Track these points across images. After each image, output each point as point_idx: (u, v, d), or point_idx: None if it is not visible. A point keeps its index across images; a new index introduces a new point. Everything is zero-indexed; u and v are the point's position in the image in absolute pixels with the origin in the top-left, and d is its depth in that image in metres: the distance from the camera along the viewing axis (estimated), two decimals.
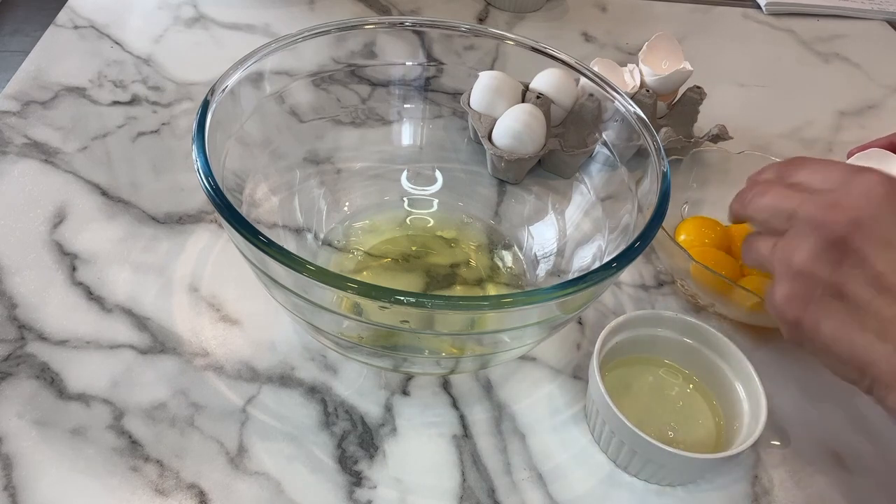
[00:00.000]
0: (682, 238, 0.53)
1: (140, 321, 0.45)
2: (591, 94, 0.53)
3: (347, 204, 0.52)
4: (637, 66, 0.62)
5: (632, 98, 0.50)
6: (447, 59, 0.53)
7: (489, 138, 0.54)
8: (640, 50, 0.64)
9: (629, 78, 0.62)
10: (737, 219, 0.39)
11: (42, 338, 0.43)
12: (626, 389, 0.43)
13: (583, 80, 0.49)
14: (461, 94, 0.56)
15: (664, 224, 0.38)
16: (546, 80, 0.55)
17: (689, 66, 0.61)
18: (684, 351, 0.44)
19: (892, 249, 0.31)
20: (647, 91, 0.59)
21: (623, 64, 0.63)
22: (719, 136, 0.60)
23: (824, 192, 0.34)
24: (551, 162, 0.54)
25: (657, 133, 0.51)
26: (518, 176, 0.54)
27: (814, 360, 0.48)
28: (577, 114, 0.55)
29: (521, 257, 0.50)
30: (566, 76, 0.55)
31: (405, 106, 0.54)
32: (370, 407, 0.42)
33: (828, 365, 0.35)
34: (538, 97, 0.54)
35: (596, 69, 0.48)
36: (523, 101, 0.56)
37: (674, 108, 0.58)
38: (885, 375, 0.31)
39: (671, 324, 0.44)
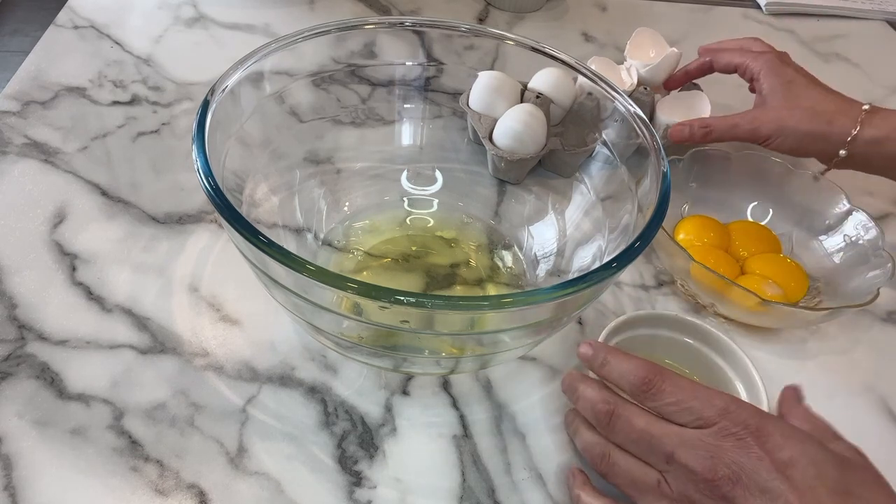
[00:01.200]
0: (681, 237, 0.53)
1: (140, 321, 0.45)
2: (590, 93, 0.53)
3: (347, 204, 0.52)
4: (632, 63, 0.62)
5: (629, 96, 0.50)
6: (447, 59, 0.53)
7: (490, 138, 0.54)
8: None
9: (626, 76, 0.62)
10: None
11: (42, 338, 0.43)
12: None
13: (581, 78, 0.49)
14: (461, 94, 0.56)
15: (664, 224, 0.38)
16: (544, 79, 0.55)
17: (675, 50, 0.61)
18: (684, 350, 0.44)
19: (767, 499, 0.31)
20: (645, 89, 0.59)
21: (622, 63, 0.64)
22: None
23: (695, 432, 0.34)
24: (551, 161, 0.54)
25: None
26: (519, 176, 0.54)
27: (814, 361, 0.48)
28: (577, 113, 0.55)
29: (521, 257, 0.50)
30: (564, 75, 0.55)
31: (405, 106, 0.54)
32: (370, 407, 0.42)
33: None
34: (537, 97, 0.54)
35: (593, 68, 0.48)
36: (522, 100, 0.56)
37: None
38: None
39: (671, 324, 0.44)
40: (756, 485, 0.31)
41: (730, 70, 0.60)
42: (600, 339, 0.41)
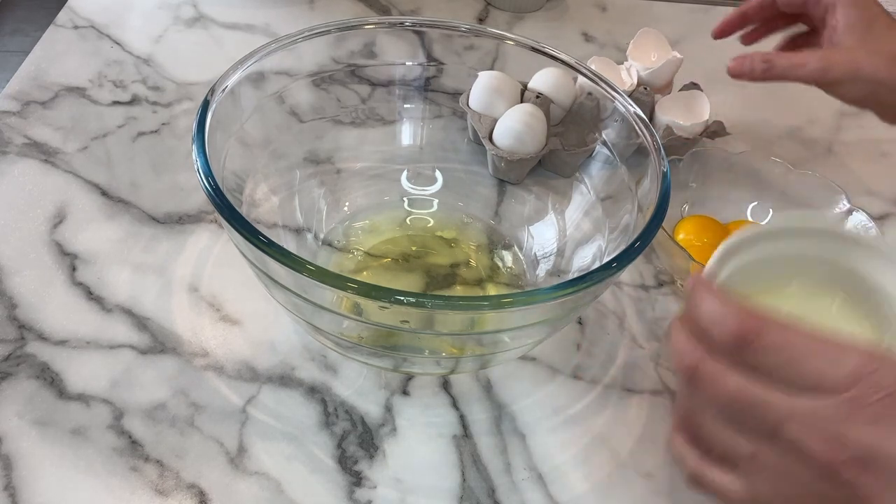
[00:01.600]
0: (680, 237, 0.53)
1: (140, 321, 0.45)
2: (590, 93, 0.53)
3: (347, 204, 0.52)
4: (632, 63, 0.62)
5: (629, 96, 0.50)
6: (447, 59, 0.53)
7: (490, 138, 0.54)
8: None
9: (626, 76, 0.62)
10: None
11: (42, 338, 0.43)
12: None
13: (581, 78, 0.49)
14: (461, 94, 0.56)
15: (664, 224, 0.38)
16: (544, 79, 0.55)
17: (678, 55, 0.61)
18: (835, 274, 0.34)
19: None
20: (645, 89, 0.59)
21: (622, 63, 0.64)
22: (717, 132, 0.60)
23: (817, 404, 0.25)
24: (551, 161, 0.54)
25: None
26: (519, 176, 0.54)
27: None
28: (576, 113, 0.55)
29: (521, 257, 0.50)
30: (564, 75, 0.55)
31: (405, 106, 0.54)
32: (370, 407, 0.42)
33: None
34: (537, 97, 0.54)
35: (593, 68, 0.48)
36: (522, 100, 0.56)
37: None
38: None
39: (817, 237, 0.34)
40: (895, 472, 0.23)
41: (796, 5, 0.51)
42: (710, 262, 0.33)
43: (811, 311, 0.35)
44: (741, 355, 0.27)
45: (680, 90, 0.62)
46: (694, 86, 0.62)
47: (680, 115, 0.59)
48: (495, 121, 0.54)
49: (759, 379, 0.26)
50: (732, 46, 0.79)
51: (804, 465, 0.25)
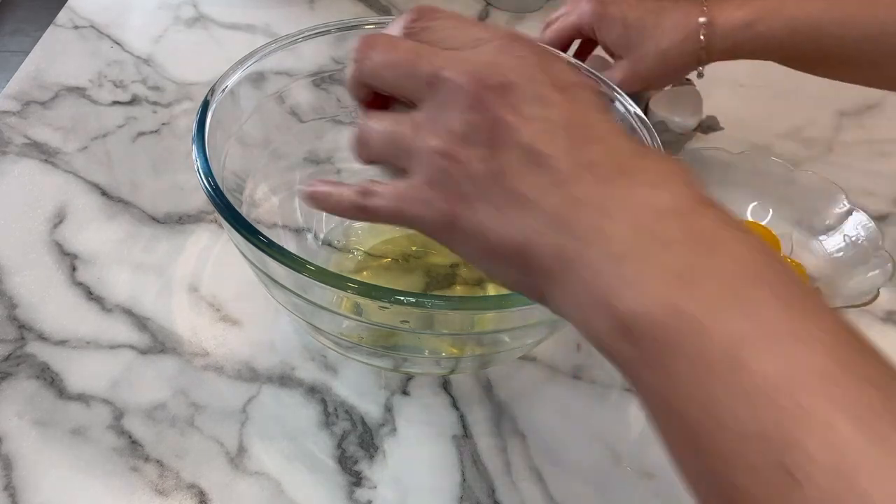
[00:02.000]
0: None
1: (140, 321, 0.45)
2: None
3: None
4: None
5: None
6: None
7: None
8: None
9: None
10: (356, 84, 0.30)
11: (42, 338, 0.43)
12: None
13: None
14: None
15: None
16: None
17: None
18: None
19: (544, 119, 0.25)
20: None
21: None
22: (711, 127, 0.60)
23: (470, 51, 0.27)
24: None
25: None
26: None
27: None
28: None
29: None
30: None
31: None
32: (370, 407, 0.42)
33: (487, 269, 0.27)
34: None
35: (588, 64, 0.48)
36: None
37: None
38: (544, 259, 0.24)
39: None
40: (533, 94, 0.25)
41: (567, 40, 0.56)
42: None
43: None
44: (413, 37, 0.28)
45: (674, 85, 0.62)
46: (687, 81, 0.62)
47: (674, 110, 0.59)
48: None
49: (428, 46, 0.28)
50: None
51: (458, 109, 0.26)
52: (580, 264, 0.23)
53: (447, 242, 0.27)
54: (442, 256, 0.49)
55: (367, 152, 0.29)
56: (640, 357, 0.22)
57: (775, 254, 0.23)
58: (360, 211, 0.28)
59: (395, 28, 0.29)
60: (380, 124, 0.28)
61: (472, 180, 0.26)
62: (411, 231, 0.52)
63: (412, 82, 0.27)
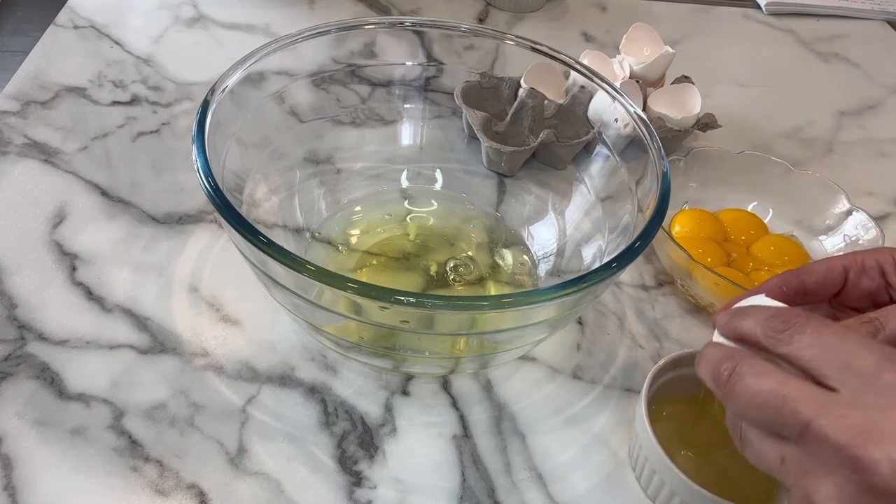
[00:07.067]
0: (676, 230, 0.53)
1: (140, 321, 0.45)
2: (583, 87, 0.52)
3: (347, 204, 0.52)
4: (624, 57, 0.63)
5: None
6: (447, 59, 0.53)
7: (483, 132, 0.54)
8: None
9: (619, 69, 0.62)
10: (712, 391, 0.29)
11: (42, 338, 0.43)
12: (680, 432, 0.40)
13: (573, 73, 0.49)
14: None
15: (663, 223, 0.38)
16: (537, 73, 0.56)
17: (670, 50, 0.61)
18: None
19: None
20: (638, 82, 0.60)
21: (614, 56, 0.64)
22: (709, 124, 0.60)
23: (848, 396, 0.24)
24: (545, 154, 0.54)
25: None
26: (513, 168, 0.54)
27: None
28: (570, 106, 0.55)
29: (521, 256, 0.50)
30: (556, 70, 0.55)
31: (405, 106, 0.54)
32: (370, 407, 0.42)
33: None
34: (531, 90, 0.54)
35: (586, 61, 0.48)
36: (516, 95, 0.56)
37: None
38: None
39: None
40: None
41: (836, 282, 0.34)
42: (649, 376, 0.38)
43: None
44: (775, 343, 0.26)
45: (672, 83, 0.62)
46: (685, 79, 0.62)
47: (671, 107, 0.59)
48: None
49: (797, 377, 0.26)
50: (733, 46, 0.80)
51: (836, 463, 0.23)
52: None
53: None
54: (442, 255, 0.49)
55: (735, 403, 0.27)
56: None
57: None
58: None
59: (752, 324, 0.27)
60: (755, 437, 0.27)
61: None
62: (411, 230, 0.53)
63: (784, 428, 0.25)
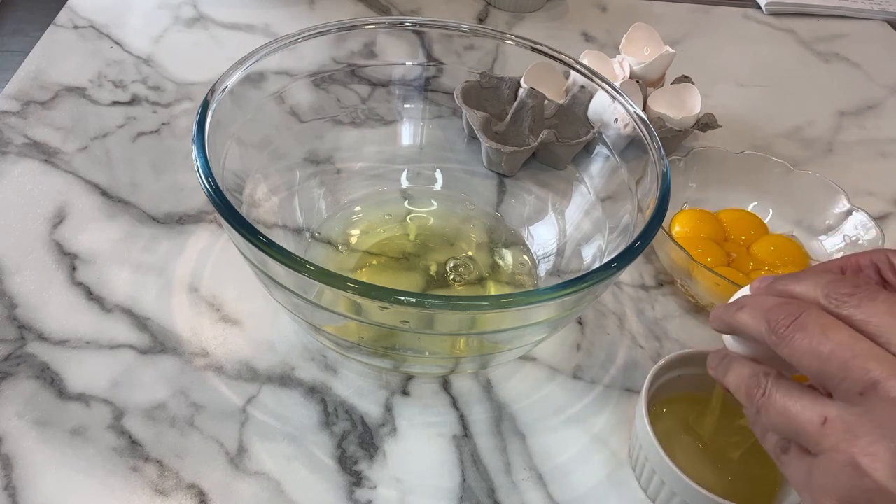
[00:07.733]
0: (676, 230, 0.53)
1: (140, 321, 0.45)
2: (583, 87, 0.52)
3: (347, 204, 0.52)
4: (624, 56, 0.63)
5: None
6: (447, 59, 0.53)
7: (483, 131, 0.54)
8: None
9: (618, 69, 0.62)
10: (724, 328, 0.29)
11: (42, 338, 0.43)
12: (680, 432, 0.40)
13: (573, 73, 0.49)
14: None
15: (663, 223, 0.38)
16: (537, 73, 0.56)
17: (670, 50, 0.61)
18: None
19: None
20: (638, 81, 0.60)
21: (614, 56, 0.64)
22: (708, 124, 0.60)
23: None
24: (545, 154, 0.54)
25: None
26: (513, 168, 0.54)
27: None
28: (570, 106, 0.55)
29: (521, 256, 0.50)
30: (556, 70, 0.55)
31: (405, 106, 0.54)
32: (370, 407, 0.42)
33: None
34: (531, 90, 0.54)
35: (586, 61, 0.48)
36: (516, 95, 0.56)
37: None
38: None
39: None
40: None
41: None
42: (650, 375, 0.38)
43: (734, 428, 0.39)
44: (841, 304, 0.26)
45: (672, 83, 0.62)
46: (685, 79, 0.62)
47: (671, 107, 0.59)
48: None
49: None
50: (733, 46, 0.80)
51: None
52: None
53: None
54: (442, 255, 0.49)
55: (758, 418, 0.27)
56: None
57: None
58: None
59: (809, 286, 0.26)
60: (782, 399, 0.26)
61: None
62: (411, 230, 0.53)
63: (842, 384, 0.24)
